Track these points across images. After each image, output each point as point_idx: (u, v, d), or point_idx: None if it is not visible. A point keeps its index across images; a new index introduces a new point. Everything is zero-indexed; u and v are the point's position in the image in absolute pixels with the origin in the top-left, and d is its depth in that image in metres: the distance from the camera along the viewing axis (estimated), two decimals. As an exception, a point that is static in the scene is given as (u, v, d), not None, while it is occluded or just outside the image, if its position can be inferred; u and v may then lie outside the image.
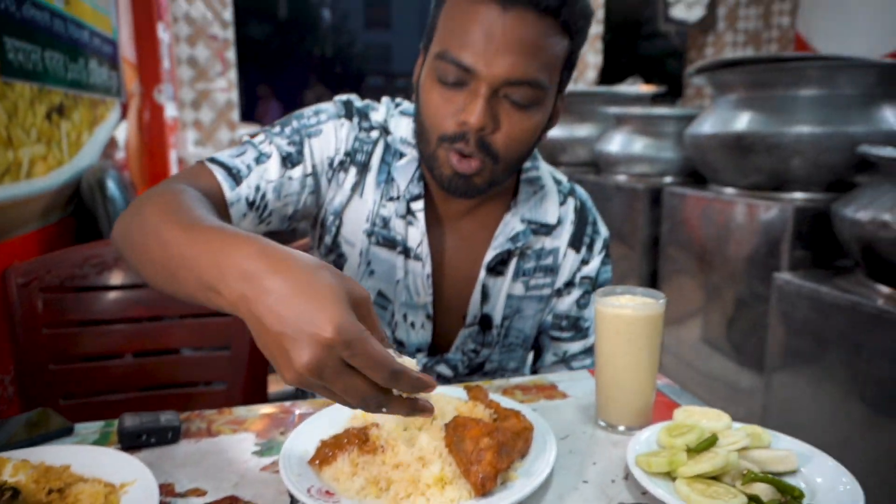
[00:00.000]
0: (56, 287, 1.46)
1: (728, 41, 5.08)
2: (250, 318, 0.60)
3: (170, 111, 3.25)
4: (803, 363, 1.97)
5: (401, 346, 1.12)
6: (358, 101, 1.09)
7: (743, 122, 2.27)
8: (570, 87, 4.39)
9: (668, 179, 2.96)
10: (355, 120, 1.06)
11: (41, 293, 1.44)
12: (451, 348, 1.12)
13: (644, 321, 0.82)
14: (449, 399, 0.82)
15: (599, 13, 4.68)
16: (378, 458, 0.71)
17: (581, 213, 1.16)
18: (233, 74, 3.65)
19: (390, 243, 1.06)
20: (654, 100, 3.72)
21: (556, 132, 3.56)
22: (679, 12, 5.00)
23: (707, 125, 2.43)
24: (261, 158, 0.99)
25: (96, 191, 1.84)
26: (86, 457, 0.74)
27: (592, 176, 3.33)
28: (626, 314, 0.82)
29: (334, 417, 0.84)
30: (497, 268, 1.09)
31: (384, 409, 0.63)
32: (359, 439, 0.73)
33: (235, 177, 0.96)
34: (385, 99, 1.13)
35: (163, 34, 3.16)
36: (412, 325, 1.09)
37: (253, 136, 1.03)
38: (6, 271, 1.40)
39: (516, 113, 0.92)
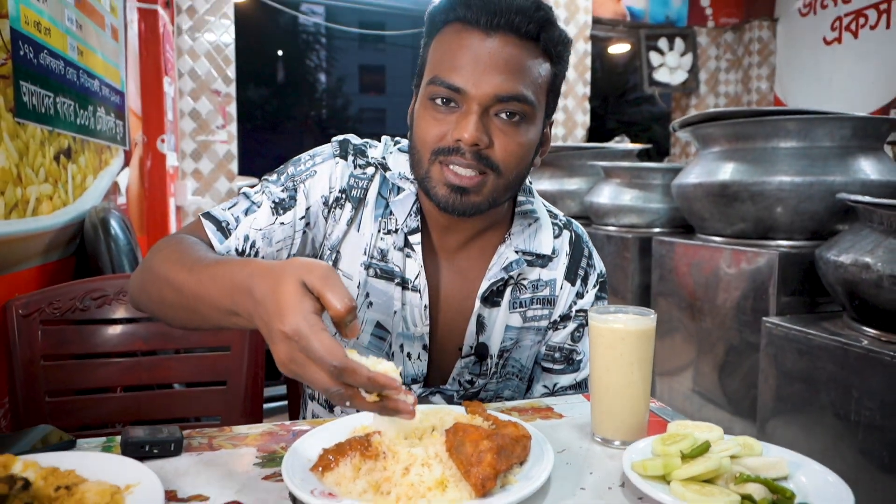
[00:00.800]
0: (56, 320, 1.48)
1: (710, 104, 5.29)
2: (258, 327, 0.70)
3: (171, 160, 3.33)
4: (795, 408, 1.99)
5: None
6: (355, 140, 1.15)
7: (727, 172, 2.37)
8: (560, 143, 4.52)
9: (656, 230, 3.03)
10: (350, 158, 1.11)
11: (41, 325, 1.46)
12: (448, 379, 1.13)
13: (636, 335, 0.85)
14: (448, 411, 0.84)
15: (587, 76, 4.88)
16: (380, 464, 0.73)
17: (576, 246, 1.20)
18: (233, 127, 3.75)
19: (388, 275, 1.09)
20: (641, 156, 3.85)
21: (547, 185, 3.66)
22: (663, 76, 5.22)
23: (693, 175, 2.52)
24: (251, 209, 1.06)
25: (100, 229, 1.88)
26: (91, 462, 0.75)
27: (584, 227, 3.40)
28: (619, 328, 0.85)
29: (336, 431, 0.85)
30: (492, 298, 1.12)
31: (347, 404, 0.67)
32: (361, 446, 0.75)
33: (224, 230, 1.03)
34: (385, 137, 1.18)
35: (168, 88, 3.28)
36: (409, 356, 1.11)
37: (253, 186, 1.10)
38: (8, 303, 1.42)
39: (509, 129, 0.97)
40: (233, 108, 3.75)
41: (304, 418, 1.29)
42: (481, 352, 1.13)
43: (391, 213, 1.09)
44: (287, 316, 0.65)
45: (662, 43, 5.21)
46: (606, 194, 3.18)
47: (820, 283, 2.00)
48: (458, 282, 1.12)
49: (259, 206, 1.06)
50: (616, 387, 0.86)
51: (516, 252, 1.12)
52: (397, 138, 1.20)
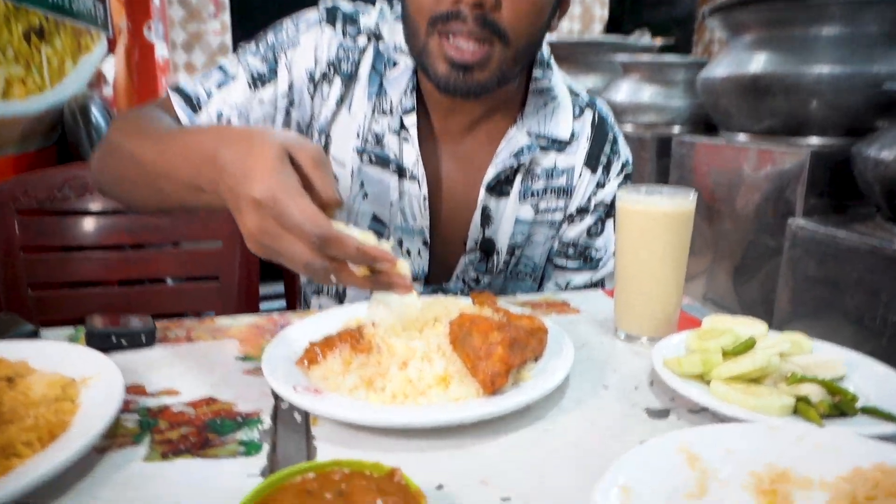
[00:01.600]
0: (34, 210, 1.37)
1: (739, -3, 4.90)
2: (224, 200, 0.58)
3: (160, 51, 3.12)
4: (814, 314, 1.90)
5: None
6: (345, 5, 0.98)
7: (759, 63, 2.16)
8: (575, 37, 4.23)
9: (676, 129, 2.85)
10: (339, 25, 0.95)
11: (18, 215, 1.35)
12: (452, 277, 1.03)
13: (673, 218, 0.73)
14: (453, 302, 0.74)
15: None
16: (373, 358, 0.63)
17: (599, 129, 1.05)
18: (226, 17, 3.50)
19: (383, 162, 0.96)
20: (662, 51, 3.59)
21: (561, 83, 3.43)
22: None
23: (721, 68, 2.32)
24: (225, 82, 0.91)
25: (79, 117, 1.74)
26: (50, 352, 0.66)
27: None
28: (654, 210, 0.73)
29: (326, 321, 0.76)
30: (499, 187, 0.99)
31: (333, 280, 0.57)
32: (352, 338, 0.65)
33: (194, 105, 0.89)
34: (380, 2, 1.02)
35: (152, -31, 3.02)
36: (408, 252, 1.01)
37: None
38: (-23, 190, 1.31)
39: None
40: (224, -5, 3.48)
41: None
42: (487, 247, 1.02)
43: (385, 91, 0.95)
44: (258, 178, 0.54)
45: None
46: (624, 91, 2.97)
47: (849, 184, 1.86)
48: (462, 169, 0.99)
49: (234, 79, 0.91)
50: (646, 277, 0.75)
51: (529, 135, 0.98)
52: (395, 4, 1.03)
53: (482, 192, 0.97)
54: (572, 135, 1.03)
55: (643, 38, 3.84)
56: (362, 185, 0.97)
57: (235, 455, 0.55)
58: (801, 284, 1.94)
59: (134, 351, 0.75)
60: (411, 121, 0.94)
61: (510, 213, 1.00)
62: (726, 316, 0.72)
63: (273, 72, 0.92)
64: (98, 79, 2.43)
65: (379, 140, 0.96)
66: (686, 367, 0.61)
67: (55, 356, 0.65)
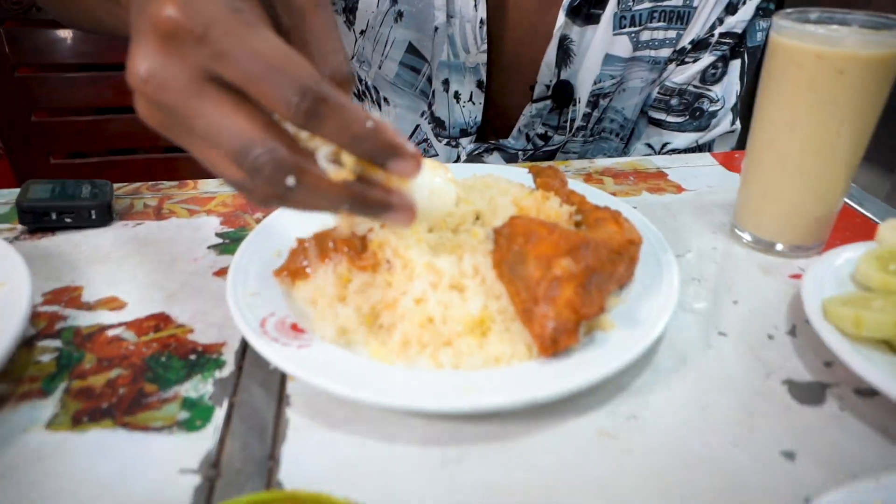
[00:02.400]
0: (21, 20, 1.16)
1: None
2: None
3: None
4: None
5: (440, 129, 0.79)
6: None
7: None
8: None
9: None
10: None
11: (3, 27, 1.14)
12: (512, 131, 0.78)
13: (872, 65, 0.45)
14: (504, 184, 0.51)
15: None
16: (380, 279, 0.43)
17: None
18: None
19: None
20: None
21: None
22: None
23: None
24: None
25: None
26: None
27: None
28: (838, 54, 0.45)
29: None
30: (586, 10, 0.70)
31: (290, 181, 0.31)
32: (350, 247, 0.45)
33: None
34: None
35: None
36: (456, 96, 0.75)
37: None
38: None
39: None
40: None
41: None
42: (562, 94, 0.75)
43: None
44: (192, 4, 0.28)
45: None
46: None
47: None
48: None
49: None
50: (805, 156, 0.49)
51: None
52: None
53: (561, 16, 0.69)
54: None
55: None
56: (395, 1, 0.70)
57: (172, 427, 0.38)
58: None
59: (82, 232, 0.57)
60: None
61: (599, 46, 0.72)
62: (921, 224, 0.47)
63: None
64: None
65: None
66: (867, 328, 0.38)
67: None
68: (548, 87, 0.74)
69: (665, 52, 0.74)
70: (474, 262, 0.42)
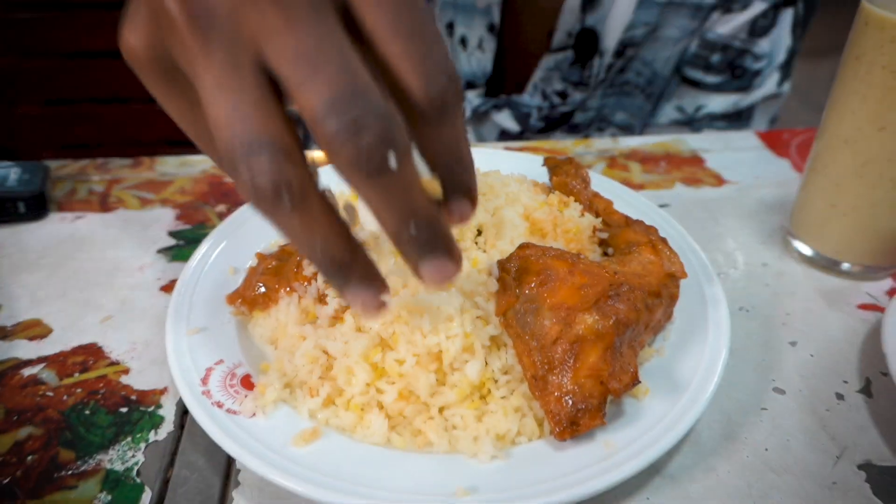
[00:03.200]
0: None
1: None
2: None
3: None
4: None
5: None
6: None
7: None
8: None
9: None
10: None
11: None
12: (526, 86, 0.67)
13: None
14: (514, 187, 0.42)
15: None
16: (350, 323, 0.34)
17: None
18: None
19: None
20: None
21: None
22: None
23: None
24: None
25: None
26: None
27: None
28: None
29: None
30: None
31: (281, 204, 0.22)
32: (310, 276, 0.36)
33: None
34: None
35: None
36: (463, 41, 0.64)
37: None
38: None
39: None
40: None
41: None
42: (586, 43, 0.64)
43: None
44: None
45: None
46: None
47: None
48: None
49: None
50: (892, 163, 0.39)
51: None
52: None
53: None
54: None
55: None
56: None
57: (88, 515, 0.30)
58: None
59: (10, 228, 0.48)
60: None
61: None
62: None
63: None
64: None
65: None
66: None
67: None
68: (570, 35, 0.63)
69: None
70: (475, 303, 0.33)
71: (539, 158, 0.49)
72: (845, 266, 0.44)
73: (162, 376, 0.37)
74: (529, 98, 0.68)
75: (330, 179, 0.24)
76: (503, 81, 0.69)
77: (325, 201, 0.24)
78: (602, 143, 0.61)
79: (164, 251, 0.47)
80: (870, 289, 0.43)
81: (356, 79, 0.21)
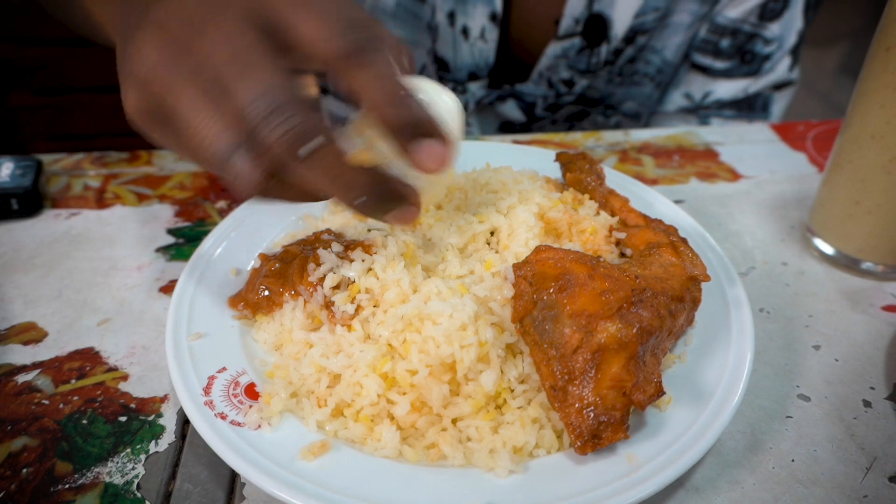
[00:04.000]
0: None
1: None
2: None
3: None
4: None
5: (443, 72, 0.66)
6: None
7: None
8: None
9: None
10: None
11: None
12: (531, 73, 0.65)
13: None
14: (527, 185, 0.40)
15: None
16: (358, 332, 0.32)
17: None
18: None
19: None
20: None
21: None
22: None
23: None
24: None
25: None
26: None
27: None
28: None
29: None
30: None
31: (298, 168, 0.26)
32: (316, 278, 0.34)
33: None
34: None
35: None
36: (464, 31, 0.62)
37: None
38: None
39: None
40: None
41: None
42: (595, 30, 0.62)
43: None
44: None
45: None
46: None
47: None
48: None
49: None
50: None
51: None
52: None
53: None
54: None
55: None
56: None
57: (86, 532, 0.29)
58: None
59: (4, 226, 0.46)
60: None
61: None
62: None
63: None
64: None
65: None
66: None
67: None
68: (577, 21, 0.61)
69: None
70: (490, 309, 0.32)
71: (549, 153, 0.48)
72: (867, 265, 0.42)
73: (162, 383, 0.36)
74: (534, 87, 0.67)
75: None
76: (507, 71, 0.67)
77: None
78: (613, 136, 0.59)
79: (162, 250, 0.45)
80: (894, 289, 0.42)
81: (267, 76, 0.25)
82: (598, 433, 0.28)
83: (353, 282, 0.33)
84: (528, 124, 0.69)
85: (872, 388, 0.35)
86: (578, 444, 0.28)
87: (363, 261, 0.34)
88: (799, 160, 0.56)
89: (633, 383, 0.28)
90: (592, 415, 0.28)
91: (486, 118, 0.70)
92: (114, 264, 0.44)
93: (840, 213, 0.42)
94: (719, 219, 0.48)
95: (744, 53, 0.65)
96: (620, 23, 0.62)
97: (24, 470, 0.31)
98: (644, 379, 0.29)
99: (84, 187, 0.51)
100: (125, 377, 0.36)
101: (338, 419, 0.31)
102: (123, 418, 0.34)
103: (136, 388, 0.35)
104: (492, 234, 0.37)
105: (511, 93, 0.68)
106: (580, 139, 0.58)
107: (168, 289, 0.42)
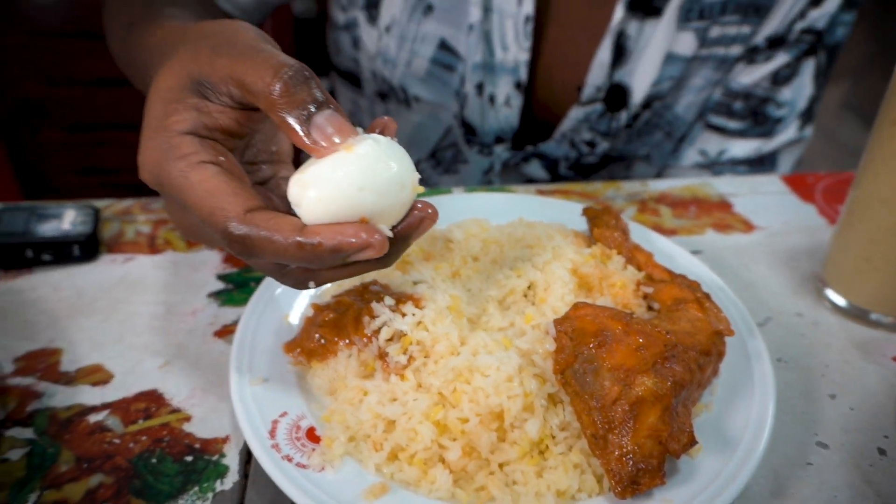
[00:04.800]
0: None
1: None
2: None
3: None
4: None
5: (470, 135, 0.70)
6: None
7: None
8: None
9: None
10: None
11: None
12: (554, 134, 0.69)
13: None
14: (559, 240, 0.43)
15: None
16: (410, 382, 0.35)
17: None
18: None
19: None
20: None
21: None
22: None
23: None
24: None
25: None
26: None
27: None
28: None
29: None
30: (647, 2, 0.60)
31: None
32: (361, 318, 0.37)
33: None
34: None
35: None
36: (491, 99, 0.66)
37: None
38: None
39: None
40: None
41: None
42: (615, 97, 0.66)
43: None
44: (141, 152, 0.32)
45: None
46: None
47: None
48: None
49: None
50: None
51: None
52: None
53: (619, 9, 0.60)
54: None
55: None
56: None
57: (162, 567, 0.31)
58: None
59: (65, 270, 0.50)
60: None
61: (660, 44, 0.62)
62: None
63: None
64: None
65: None
66: None
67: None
68: (599, 89, 0.65)
69: (735, 50, 0.65)
70: (529, 354, 0.35)
71: (573, 205, 0.51)
72: (877, 317, 0.45)
73: (223, 424, 0.38)
74: (557, 147, 0.70)
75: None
76: (530, 134, 0.70)
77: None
78: (631, 186, 0.62)
79: (213, 295, 0.48)
80: (902, 340, 0.45)
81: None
82: (636, 479, 0.30)
83: (406, 334, 0.36)
84: (552, 181, 0.72)
85: (886, 437, 0.38)
86: (619, 489, 0.30)
87: (414, 314, 0.37)
88: (809, 212, 0.59)
89: (669, 433, 0.31)
90: (631, 462, 0.30)
91: (511, 178, 0.73)
92: (169, 308, 0.47)
93: (851, 268, 0.45)
94: (735, 270, 0.51)
95: (757, 115, 0.69)
96: (639, 91, 0.65)
97: (102, 506, 0.34)
98: (678, 429, 0.31)
99: (136, 233, 0.54)
100: (188, 418, 0.39)
101: (393, 462, 0.33)
102: (189, 458, 0.36)
103: (199, 428, 0.38)
104: (528, 287, 0.40)
105: (535, 153, 0.71)
106: (601, 189, 0.62)
107: (222, 333, 0.45)
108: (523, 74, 0.64)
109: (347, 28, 0.69)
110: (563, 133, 0.68)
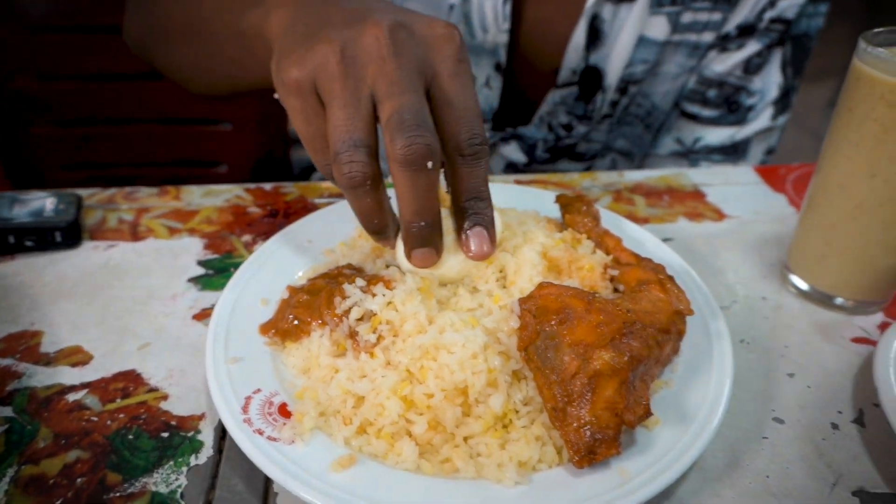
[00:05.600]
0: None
1: None
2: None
3: None
4: None
5: None
6: None
7: None
8: None
9: None
10: None
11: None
12: (532, 118, 0.70)
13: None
14: (532, 225, 0.44)
15: None
16: (379, 359, 0.36)
17: None
18: None
19: None
20: None
21: None
22: None
23: None
24: None
25: None
26: None
27: None
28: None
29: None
30: None
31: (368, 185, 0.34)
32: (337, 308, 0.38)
33: None
34: None
35: None
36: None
37: None
38: None
39: None
40: None
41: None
42: (590, 80, 0.67)
43: None
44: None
45: None
46: None
47: None
48: None
49: None
50: (883, 207, 0.42)
51: None
52: None
53: None
54: None
55: None
56: None
57: (137, 537, 0.32)
58: None
59: (48, 256, 0.51)
60: None
61: (633, 28, 0.64)
62: None
63: None
64: None
65: None
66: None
67: None
68: (575, 72, 0.66)
69: (707, 37, 0.66)
70: (498, 338, 0.36)
71: (548, 193, 0.52)
72: (839, 301, 0.47)
73: (200, 402, 0.39)
74: (536, 130, 0.71)
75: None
76: (509, 115, 0.72)
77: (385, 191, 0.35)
78: (608, 176, 0.64)
79: (194, 280, 0.49)
80: (862, 323, 0.46)
81: (423, 109, 0.33)
82: (593, 449, 0.31)
83: (375, 314, 0.37)
84: (529, 165, 0.73)
85: (840, 413, 0.39)
86: (576, 458, 0.32)
87: (384, 295, 0.38)
88: (779, 201, 0.60)
89: (625, 405, 0.32)
90: (589, 433, 0.32)
91: (492, 160, 0.74)
92: (150, 293, 0.48)
93: (814, 252, 0.46)
94: (705, 256, 0.52)
95: (730, 104, 0.71)
96: (613, 74, 0.67)
97: (79, 479, 0.35)
98: (634, 401, 0.33)
99: (119, 221, 0.55)
100: (165, 397, 0.40)
101: (362, 436, 0.34)
102: (165, 434, 0.37)
103: (176, 406, 0.39)
104: (500, 271, 0.41)
105: (513, 135, 0.72)
106: (577, 179, 0.63)
107: (200, 316, 0.46)
108: (502, 56, 0.65)
109: None
110: (540, 116, 0.69)
